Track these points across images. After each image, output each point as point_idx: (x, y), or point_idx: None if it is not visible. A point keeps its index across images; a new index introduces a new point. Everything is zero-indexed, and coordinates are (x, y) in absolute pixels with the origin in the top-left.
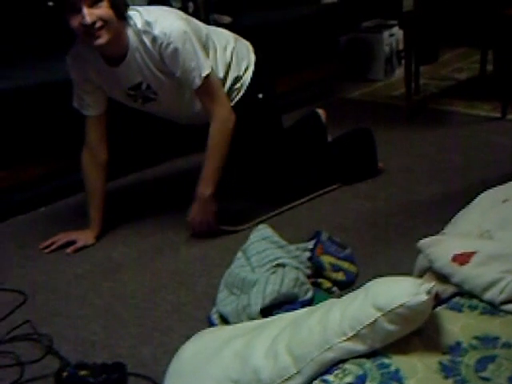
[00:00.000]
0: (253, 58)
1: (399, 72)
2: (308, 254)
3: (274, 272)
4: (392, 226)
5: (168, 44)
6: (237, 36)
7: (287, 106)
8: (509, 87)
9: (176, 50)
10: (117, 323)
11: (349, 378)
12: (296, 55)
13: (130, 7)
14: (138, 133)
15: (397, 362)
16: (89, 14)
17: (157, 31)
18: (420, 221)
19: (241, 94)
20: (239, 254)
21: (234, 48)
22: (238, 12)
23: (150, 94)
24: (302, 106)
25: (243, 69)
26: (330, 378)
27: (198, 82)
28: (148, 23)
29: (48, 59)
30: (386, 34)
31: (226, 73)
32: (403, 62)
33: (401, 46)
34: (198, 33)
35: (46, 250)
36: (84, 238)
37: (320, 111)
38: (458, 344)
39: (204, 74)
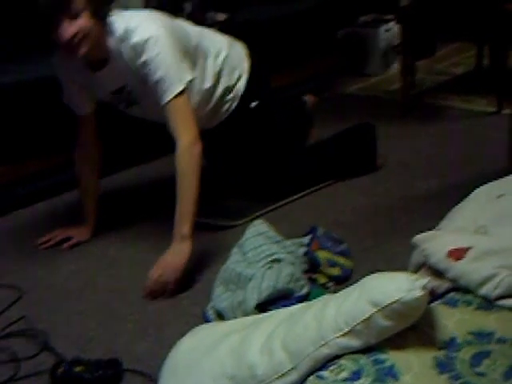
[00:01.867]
0: (246, 65)
1: (395, 67)
2: (304, 249)
3: (269, 267)
4: (388, 221)
5: (142, 53)
6: (232, 41)
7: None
8: (505, 82)
9: (147, 60)
10: (113, 319)
11: (344, 374)
12: (293, 50)
13: (115, 11)
14: (134, 127)
15: (392, 357)
16: (68, 28)
17: (134, 40)
18: (415, 216)
19: (234, 104)
20: (235, 250)
21: (226, 56)
22: (234, 8)
23: (133, 98)
24: None
25: (235, 78)
26: (325, 373)
27: (166, 97)
28: (127, 31)
29: (48, 54)
30: (382, 28)
31: (217, 81)
32: (399, 56)
33: (397, 41)
34: (184, 42)
35: (43, 246)
36: (80, 234)
37: (307, 98)
38: (453, 339)
39: (174, 92)
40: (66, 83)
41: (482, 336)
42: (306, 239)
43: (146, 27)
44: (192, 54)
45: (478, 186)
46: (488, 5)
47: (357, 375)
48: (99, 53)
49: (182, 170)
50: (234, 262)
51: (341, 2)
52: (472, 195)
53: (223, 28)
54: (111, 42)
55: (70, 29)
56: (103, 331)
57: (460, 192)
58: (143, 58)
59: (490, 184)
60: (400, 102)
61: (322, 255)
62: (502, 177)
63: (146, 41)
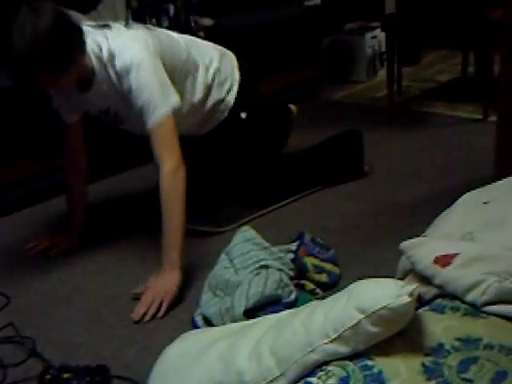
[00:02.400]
0: (237, 76)
1: (382, 74)
2: (291, 255)
3: (257, 274)
4: (375, 227)
5: (126, 78)
6: (222, 51)
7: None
8: (490, 89)
9: (131, 86)
10: (100, 325)
11: (332, 380)
12: (279, 57)
13: (99, 32)
14: (121, 133)
15: (380, 363)
16: (55, 97)
17: (118, 65)
18: (402, 222)
19: (225, 114)
20: (223, 256)
21: (217, 69)
22: (220, 14)
23: (119, 119)
24: None
25: (226, 90)
26: (313, 380)
27: (150, 122)
28: (112, 55)
29: None
30: (368, 36)
31: (207, 94)
32: (385, 63)
33: (383, 48)
34: (172, 59)
35: (29, 252)
36: (66, 240)
37: (292, 107)
38: (441, 345)
39: (158, 117)
40: (54, 93)
41: (469, 342)
42: (294, 245)
43: (130, 51)
44: (181, 69)
45: (464, 193)
46: (473, 13)
47: (344, 381)
48: (83, 78)
49: (167, 197)
50: (222, 269)
51: (327, 10)
52: (458, 202)
53: (209, 33)
54: (96, 63)
55: (56, 98)
56: (91, 337)
57: (446, 198)
58: (127, 83)
59: (477, 190)
60: (386, 109)
61: (310, 261)
62: (488, 183)
63: (130, 66)
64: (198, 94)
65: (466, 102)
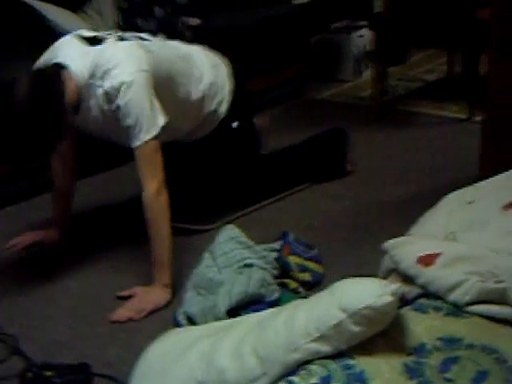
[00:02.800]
0: (228, 86)
1: (367, 73)
2: (275, 254)
3: (240, 272)
4: (359, 226)
5: (114, 99)
6: (215, 61)
7: (256, 106)
8: (476, 88)
9: (119, 106)
10: (83, 324)
11: (314, 379)
12: (266, 56)
13: (88, 49)
14: None
15: (362, 363)
16: None
17: (108, 84)
18: (387, 222)
19: (215, 124)
20: (206, 255)
21: (209, 82)
22: (207, 13)
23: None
24: (272, 106)
25: (218, 101)
26: (295, 379)
27: (135, 143)
28: (104, 72)
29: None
30: (355, 35)
31: (201, 106)
32: (372, 63)
33: (370, 47)
34: (169, 71)
35: (11, 250)
36: (49, 238)
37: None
38: (423, 345)
39: (143, 139)
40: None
41: (451, 342)
42: (278, 244)
43: (120, 70)
44: (177, 77)
45: (448, 193)
46: (459, 12)
47: (326, 381)
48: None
49: (152, 220)
50: (205, 267)
51: (314, 9)
52: (443, 201)
53: (196, 33)
54: (84, 87)
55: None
56: (73, 336)
57: (431, 198)
58: (116, 103)
59: (461, 190)
60: (372, 108)
61: (293, 260)
62: (472, 183)
63: (120, 86)
64: (192, 105)
65: (452, 102)
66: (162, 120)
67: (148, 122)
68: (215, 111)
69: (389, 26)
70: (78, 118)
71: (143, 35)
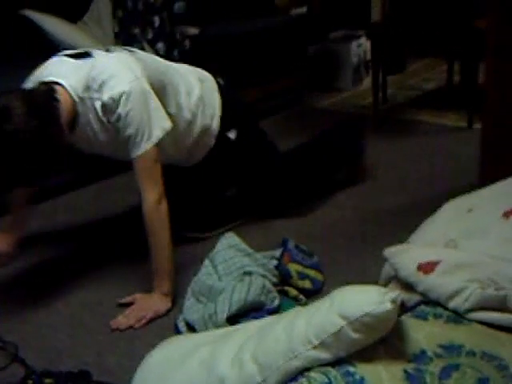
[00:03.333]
0: (218, 100)
1: (367, 82)
2: (275, 261)
3: (240, 280)
4: (358, 234)
5: (114, 110)
6: (201, 76)
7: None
8: (475, 97)
9: (119, 116)
10: (83, 331)
11: None
12: (265, 65)
13: (81, 64)
14: None
15: (362, 370)
16: None
17: (106, 96)
18: (386, 229)
19: (211, 141)
20: (206, 262)
21: (199, 96)
22: (205, 23)
23: (104, 155)
24: (271, 116)
25: (209, 116)
26: None
27: (135, 153)
28: (101, 84)
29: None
30: (353, 44)
31: (193, 121)
32: (371, 71)
33: (368, 56)
34: (160, 83)
35: None
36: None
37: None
38: (423, 352)
39: (143, 149)
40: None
41: (451, 349)
42: (277, 252)
43: (117, 81)
44: (168, 90)
45: (448, 200)
46: (459, 21)
47: None
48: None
49: (153, 229)
50: (205, 275)
51: (312, 18)
52: (442, 209)
53: (194, 42)
54: (82, 110)
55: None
56: (73, 343)
57: (430, 206)
58: (117, 113)
59: (460, 198)
60: (371, 117)
61: (293, 268)
62: (471, 191)
63: (120, 96)
64: (185, 119)
65: (451, 111)
66: (165, 124)
67: (147, 132)
68: (209, 126)
69: (386, 35)
70: (75, 135)
71: (129, 48)
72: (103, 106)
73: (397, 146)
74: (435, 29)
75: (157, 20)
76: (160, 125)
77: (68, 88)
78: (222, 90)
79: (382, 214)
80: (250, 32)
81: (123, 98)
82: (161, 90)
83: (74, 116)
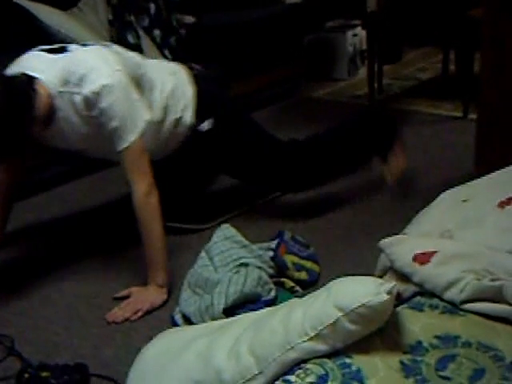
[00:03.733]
0: (191, 92)
1: (363, 72)
2: (271, 253)
3: (236, 272)
4: (355, 225)
5: (96, 103)
6: (173, 69)
7: (251, 105)
8: (471, 87)
9: (102, 110)
10: (79, 324)
11: (311, 378)
12: (260, 55)
13: (58, 58)
14: None
15: (358, 361)
16: None
17: (86, 90)
18: (382, 220)
19: (185, 132)
20: (202, 254)
21: (171, 89)
22: (201, 12)
23: (80, 150)
24: (266, 106)
25: (181, 108)
26: (291, 378)
27: (120, 145)
28: (80, 78)
29: None
30: (349, 33)
31: (164, 115)
32: (366, 61)
33: (364, 46)
34: (135, 76)
35: None
36: None
37: None
38: (419, 343)
39: (129, 141)
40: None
41: (447, 340)
42: (273, 243)
43: (97, 74)
44: (142, 84)
45: (443, 191)
46: (454, 11)
47: (323, 379)
48: (42, 116)
49: (144, 221)
50: (202, 267)
51: (308, 8)
52: (438, 200)
53: (190, 31)
54: (59, 104)
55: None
56: (70, 336)
57: (426, 196)
58: (98, 107)
59: (456, 188)
60: (367, 107)
61: (290, 259)
62: (467, 181)
63: (100, 90)
64: (156, 114)
65: (447, 100)
66: (144, 116)
67: (131, 123)
68: (180, 118)
69: (382, 24)
70: (52, 131)
71: (105, 43)
72: (84, 99)
73: None
74: (430, 18)
75: (152, 7)
76: (142, 116)
77: (45, 82)
78: (197, 80)
79: (378, 204)
80: (246, 21)
81: (105, 91)
82: (138, 84)
83: (51, 111)
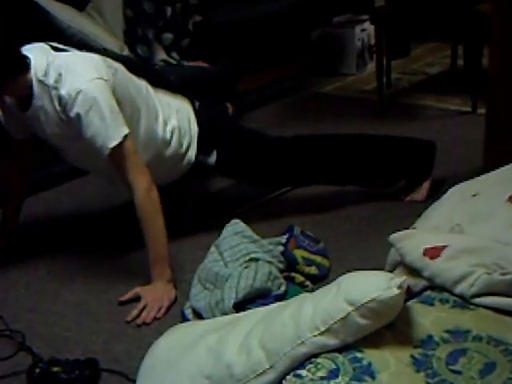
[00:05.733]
0: (195, 130)
1: (371, 66)
2: (281, 248)
3: (247, 266)
4: (364, 220)
5: (71, 107)
6: (180, 105)
7: (260, 100)
8: (479, 81)
9: (79, 115)
10: (90, 319)
11: (321, 373)
12: (268, 50)
13: (51, 53)
14: None
15: (369, 355)
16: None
17: (64, 90)
18: (392, 215)
19: (186, 168)
20: (212, 249)
21: (175, 126)
22: (208, 9)
23: (61, 148)
24: (274, 101)
25: (185, 146)
26: (303, 372)
27: (105, 152)
28: (59, 78)
29: None
30: (357, 28)
31: (164, 150)
32: (375, 56)
33: (372, 41)
34: (123, 97)
35: None
36: None
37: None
38: (430, 337)
39: (111, 146)
40: (2, 110)
41: (458, 334)
42: (283, 238)
43: (76, 78)
44: (133, 109)
45: (453, 185)
46: (462, 5)
47: (334, 374)
48: (22, 97)
49: (147, 218)
50: (212, 262)
51: (315, 3)
52: (447, 194)
53: (197, 29)
54: (38, 92)
55: None
56: (80, 331)
57: (435, 191)
58: (74, 111)
59: (465, 183)
60: (375, 102)
61: (299, 254)
62: (476, 176)
63: (77, 94)
64: (158, 145)
65: (455, 95)
66: (124, 130)
67: (113, 126)
68: (184, 155)
69: (390, 19)
70: (30, 117)
71: (107, 59)
72: (60, 97)
73: (401, 130)
74: (439, 13)
75: (169, 10)
76: (122, 126)
77: (32, 66)
78: (200, 117)
79: (388, 198)
80: (254, 17)
81: (81, 95)
82: (130, 105)
83: (28, 93)
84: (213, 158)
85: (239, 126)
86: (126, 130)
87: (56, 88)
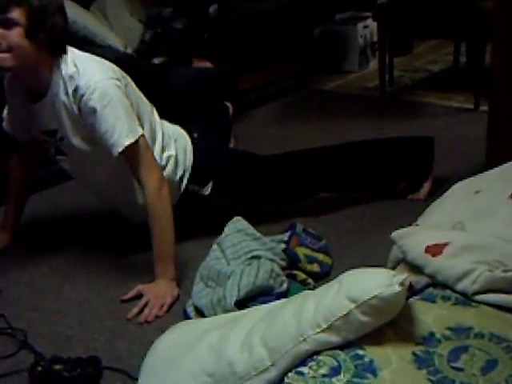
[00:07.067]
0: (190, 162)
1: (373, 64)
2: (283, 245)
3: (249, 264)
4: (366, 217)
5: (88, 100)
6: (178, 135)
7: (261, 99)
8: (481, 79)
9: (94, 110)
10: (92, 317)
11: (323, 370)
12: (270, 48)
13: (72, 49)
14: None
15: (371, 353)
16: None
17: (82, 81)
18: (394, 212)
19: (179, 197)
20: (214, 247)
21: (172, 155)
22: (208, 6)
23: (62, 147)
24: (276, 99)
25: (179, 176)
26: (304, 369)
27: (116, 151)
28: (77, 70)
29: None
30: (360, 25)
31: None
32: (377, 53)
33: (375, 38)
34: (135, 100)
35: None
36: (2, 241)
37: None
38: (432, 334)
39: (126, 143)
40: (12, 107)
41: (460, 331)
42: (285, 236)
43: (98, 73)
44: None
45: (455, 183)
46: (465, 2)
47: (336, 371)
48: (34, 81)
49: (157, 216)
50: (214, 259)
51: (317, 0)
52: (449, 191)
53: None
54: (55, 76)
55: None
56: (82, 329)
57: (437, 188)
58: (90, 105)
59: (467, 180)
60: (378, 99)
61: (301, 252)
62: (479, 173)
63: (95, 88)
64: None
65: (458, 92)
66: (140, 130)
67: (128, 123)
68: (177, 186)
69: (393, 16)
70: (38, 115)
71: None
72: (76, 89)
73: (403, 127)
74: (441, 10)
75: (213, 8)
76: (136, 124)
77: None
78: (196, 148)
79: (389, 196)
80: (255, 14)
81: (98, 91)
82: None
83: (45, 84)
84: (207, 189)
85: (235, 151)
86: (140, 131)
87: (73, 78)
